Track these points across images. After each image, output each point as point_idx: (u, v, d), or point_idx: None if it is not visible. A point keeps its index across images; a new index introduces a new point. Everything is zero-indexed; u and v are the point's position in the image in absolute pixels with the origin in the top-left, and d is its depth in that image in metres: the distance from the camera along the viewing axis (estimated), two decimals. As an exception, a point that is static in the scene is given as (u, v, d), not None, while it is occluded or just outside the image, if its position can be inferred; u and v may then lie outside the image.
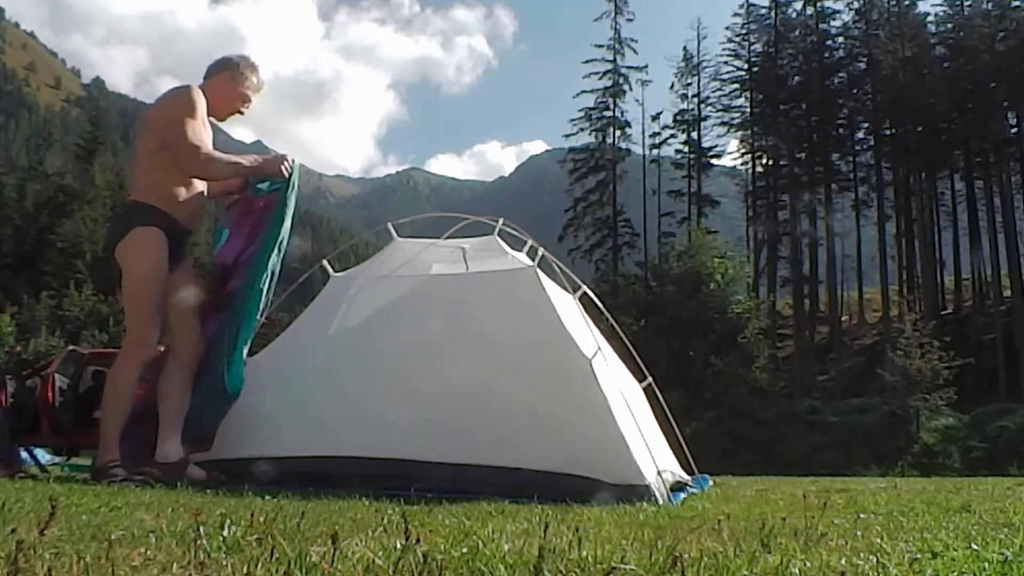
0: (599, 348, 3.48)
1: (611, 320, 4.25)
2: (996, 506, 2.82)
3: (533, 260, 3.81)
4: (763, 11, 44.00)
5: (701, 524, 2.05)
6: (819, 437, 24.05)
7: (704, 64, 44.89)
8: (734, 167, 47.28)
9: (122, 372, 3.35)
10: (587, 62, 44.82)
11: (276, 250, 3.56)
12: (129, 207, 3.57)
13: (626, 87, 44.42)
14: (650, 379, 4.34)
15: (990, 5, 39.59)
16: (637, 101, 45.26)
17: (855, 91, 41.94)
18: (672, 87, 45.08)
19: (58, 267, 38.46)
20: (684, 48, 47.64)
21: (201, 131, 3.49)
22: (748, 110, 44.08)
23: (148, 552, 1.30)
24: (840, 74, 42.52)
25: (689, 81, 44.84)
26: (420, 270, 3.95)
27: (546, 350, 3.43)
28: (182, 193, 3.50)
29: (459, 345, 3.39)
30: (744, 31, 44.37)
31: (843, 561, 1.40)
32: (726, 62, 44.48)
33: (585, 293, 3.89)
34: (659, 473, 3.24)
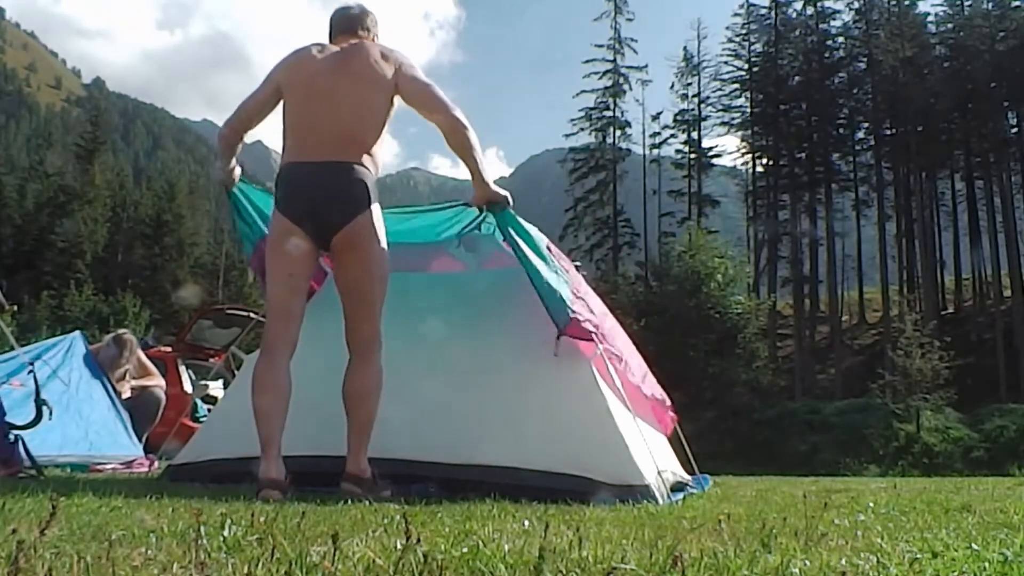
0: (599, 348, 3.48)
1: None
2: (996, 506, 2.82)
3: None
4: (763, 11, 44.12)
5: (701, 524, 2.05)
6: (819, 437, 24.04)
7: (704, 64, 45.04)
8: (734, 167, 47.42)
9: (378, 372, 2.98)
10: (587, 62, 44.94)
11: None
12: (366, 175, 2.90)
13: (626, 87, 44.62)
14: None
15: (990, 5, 39.64)
16: (637, 101, 45.46)
17: (855, 91, 41.99)
18: (672, 87, 45.23)
19: (58, 267, 38.56)
20: (684, 48, 47.67)
21: None
22: (748, 110, 44.14)
23: (148, 552, 1.30)
24: (840, 74, 42.57)
25: (689, 81, 44.98)
26: (419, 267, 3.94)
27: (546, 349, 3.42)
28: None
29: (458, 344, 3.38)
30: (744, 31, 44.45)
31: (843, 561, 1.40)
32: (726, 62, 44.62)
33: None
34: (659, 473, 3.24)
